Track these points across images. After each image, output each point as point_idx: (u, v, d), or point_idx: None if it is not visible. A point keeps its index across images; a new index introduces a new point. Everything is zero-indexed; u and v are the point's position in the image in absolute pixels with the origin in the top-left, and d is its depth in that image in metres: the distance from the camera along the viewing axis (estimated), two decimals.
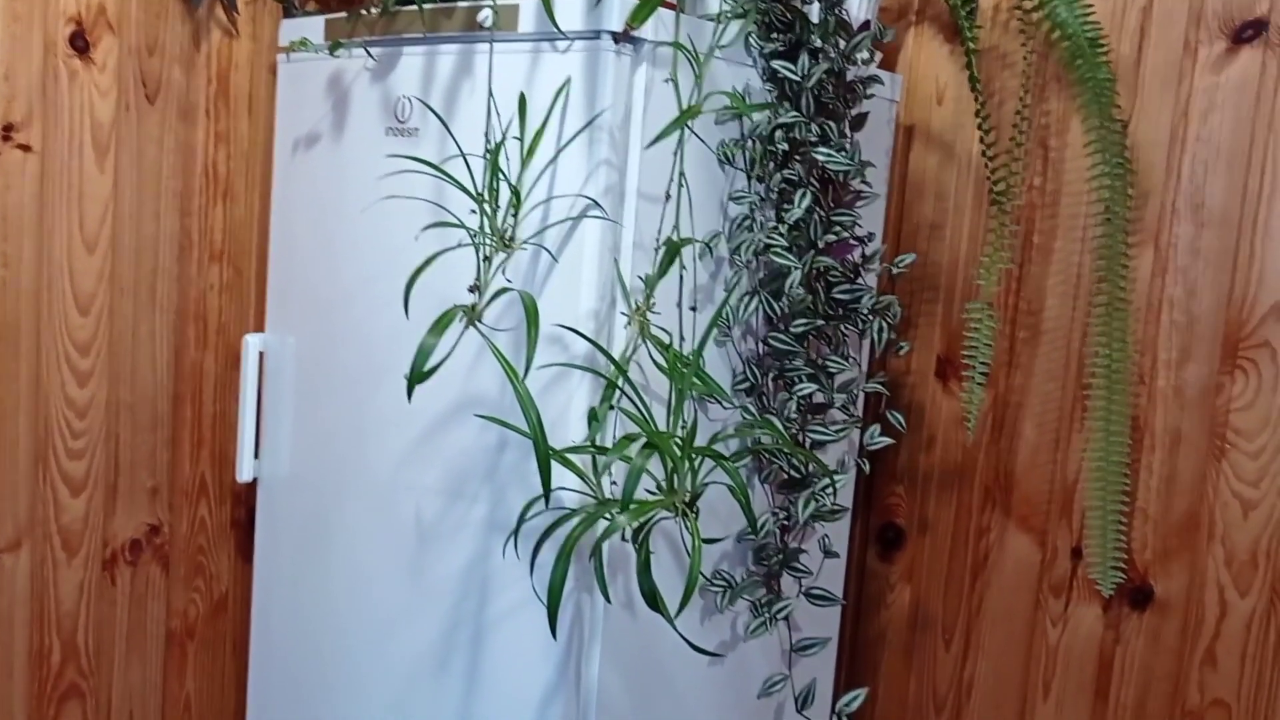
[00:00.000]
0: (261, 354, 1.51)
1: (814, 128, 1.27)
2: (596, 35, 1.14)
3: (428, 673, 1.32)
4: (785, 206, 1.28)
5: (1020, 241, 1.52)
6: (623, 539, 1.22)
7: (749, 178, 1.30)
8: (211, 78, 1.50)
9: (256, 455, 1.53)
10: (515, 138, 1.17)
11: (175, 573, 1.56)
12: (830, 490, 1.33)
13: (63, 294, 1.39)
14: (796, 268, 1.26)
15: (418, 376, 1.04)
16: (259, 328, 1.61)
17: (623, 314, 1.18)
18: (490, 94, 1.18)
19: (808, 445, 1.36)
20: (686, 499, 1.09)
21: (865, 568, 1.70)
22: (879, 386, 1.41)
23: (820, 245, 1.29)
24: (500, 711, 1.25)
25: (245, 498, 1.63)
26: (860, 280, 1.36)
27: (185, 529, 1.56)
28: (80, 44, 1.36)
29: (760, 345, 1.35)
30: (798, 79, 1.26)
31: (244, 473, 1.51)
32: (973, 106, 1.56)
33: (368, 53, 1.33)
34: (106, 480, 1.46)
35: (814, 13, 1.27)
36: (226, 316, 1.57)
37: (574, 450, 1.13)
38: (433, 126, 1.28)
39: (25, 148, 1.34)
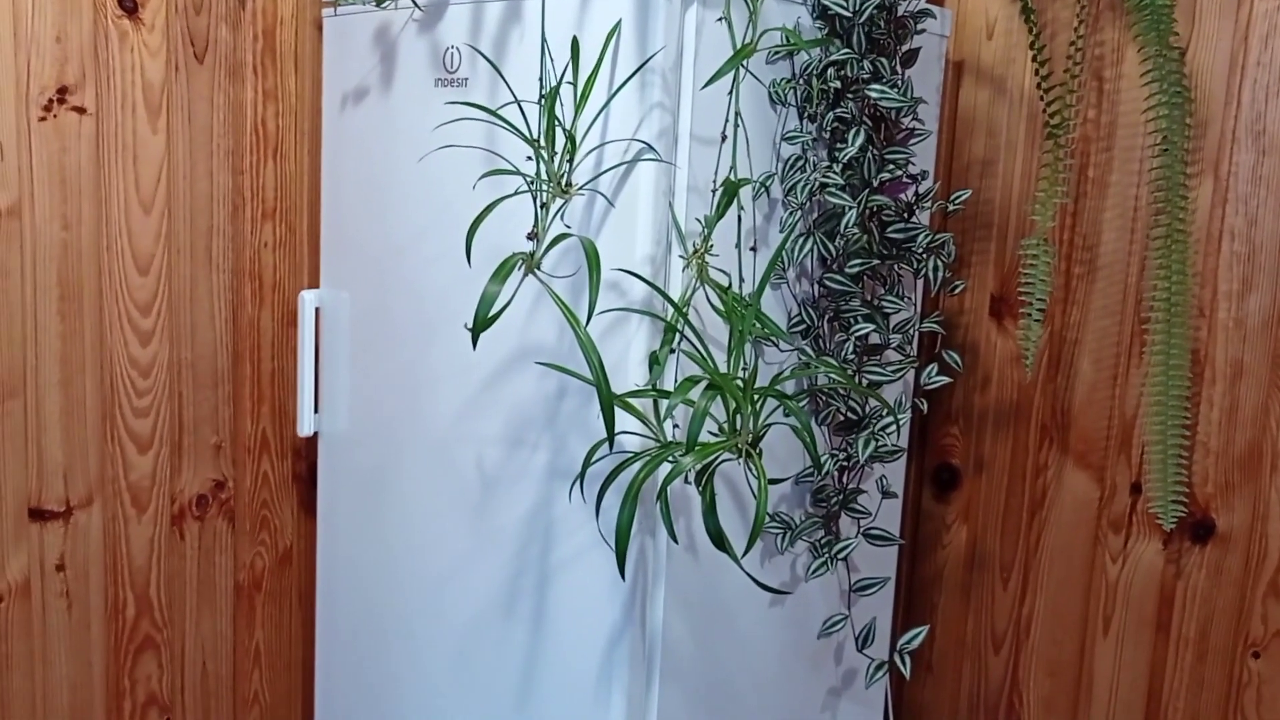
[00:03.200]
0: (317, 310, 1.53)
1: (865, 64, 1.26)
2: None
3: (493, 618, 1.34)
4: (838, 145, 1.27)
5: (1075, 175, 1.50)
6: (686, 481, 1.23)
7: (801, 117, 1.28)
8: (258, 35, 1.50)
9: (316, 410, 1.55)
10: (569, 83, 1.16)
11: (241, 527, 1.59)
12: (893, 429, 1.33)
13: (122, 255, 1.41)
14: (851, 207, 1.25)
15: (481, 324, 1.05)
16: (313, 284, 1.62)
17: (680, 257, 1.18)
18: (544, 39, 1.17)
19: (864, 386, 1.36)
20: (749, 440, 1.10)
21: (921, 509, 1.71)
22: (935, 326, 1.40)
23: (874, 184, 1.28)
24: (568, 653, 1.27)
25: (306, 452, 1.65)
26: (914, 219, 1.35)
27: (249, 484, 1.59)
28: (129, 4, 1.37)
29: (815, 287, 1.35)
30: (849, 14, 1.24)
31: (304, 427, 1.54)
32: (1023, 40, 1.53)
33: (414, 3, 1.33)
34: (172, 438, 1.49)
35: None
36: (281, 273, 1.58)
37: (636, 394, 1.14)
38: (482, 76, 1.27)
39: (80, 110, 1.35)
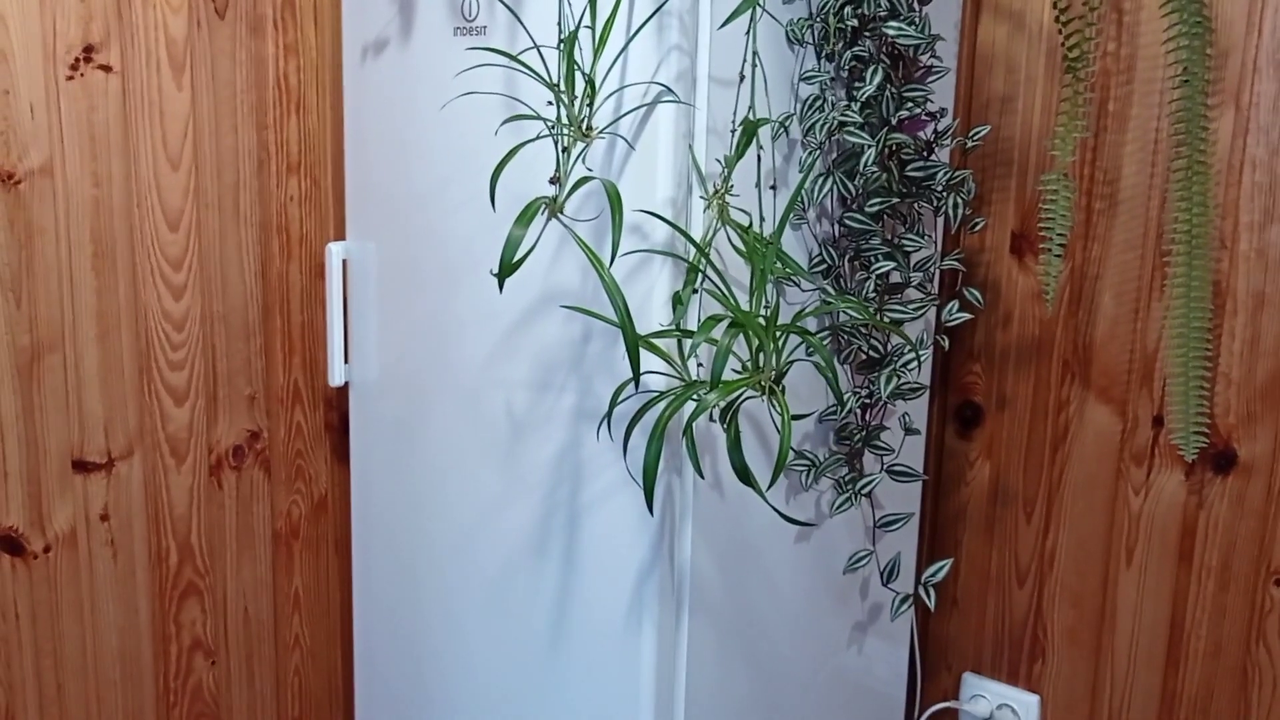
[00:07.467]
0: (344, 261, 1.55)
1: (883, 2, 1.26)
2: None
3: (526, 558, 1.37)
4: (856, 84, 1.27)
5: (1095, 109, 1.49)
6: (710, 419, 1.25)
7: (819, 56, 1.29)
8: None
9: (346, 360, 1.58)
10: (587, 27, 1.17)
11: (277, 476, 1.63)
12: (914, 365, 1.34)
13: (152, 210, 1.44)
14: (870, 145, 1.26)
15: (507, 268, 1.07)
16: (339, 236, 1.65)
17: (701, 198, 1.20)
18: None
19: (885, 322, 1.37)
20: (772, 377, 1.12)
21: (944, 446, 1.72)
22: (956, 263, 1.41)
23: (893, 122, 1.29)
24: (599, 589, 1.30)
25: (338, 402, 1.69)
26: (933, 157, 1.35)
27: (283, 434, 1.63)
28: None
29: (835, 226, 1.36)
30: None
31: (335, 377, 1.57)
32: None
33: None
34: (207, 390, 1.53)
35: None
36: (308, 227, 1.61)
37: (660, 335, 1.16)
38: (500, 24, 1.28)
39: (106, 68, 1.37)
